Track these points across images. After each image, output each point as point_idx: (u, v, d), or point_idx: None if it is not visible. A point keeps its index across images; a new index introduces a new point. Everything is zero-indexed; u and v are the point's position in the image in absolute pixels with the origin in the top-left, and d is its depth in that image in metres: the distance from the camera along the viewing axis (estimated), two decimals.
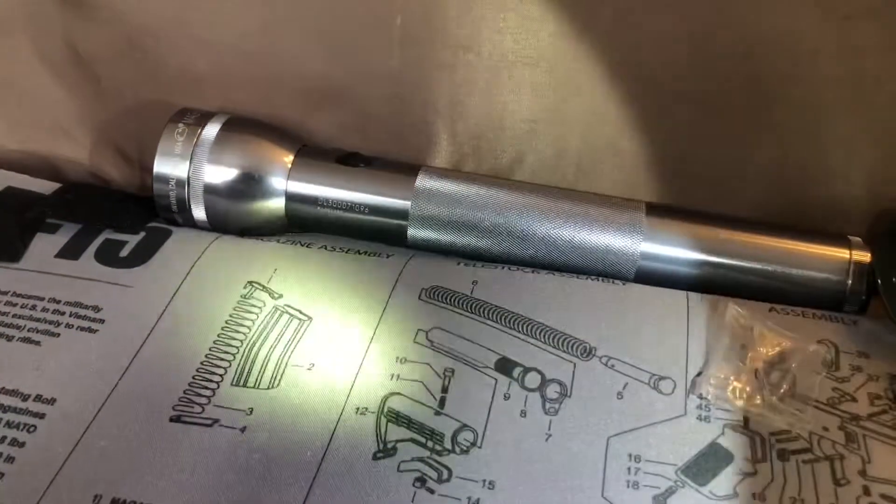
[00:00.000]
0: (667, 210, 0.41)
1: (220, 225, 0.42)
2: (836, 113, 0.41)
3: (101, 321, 0.37)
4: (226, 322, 0.37)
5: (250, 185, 0.41)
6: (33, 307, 0.37)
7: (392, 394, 0.34)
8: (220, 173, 0.40)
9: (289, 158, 0.41)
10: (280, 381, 0.34)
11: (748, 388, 0.34)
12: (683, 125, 0.42)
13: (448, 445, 0.32)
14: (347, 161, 0.41)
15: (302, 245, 0.41)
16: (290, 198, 0.41)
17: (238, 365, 0.35)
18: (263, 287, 0.38)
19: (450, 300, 0.38)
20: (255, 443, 0.32)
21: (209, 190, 0.40)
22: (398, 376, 0.34)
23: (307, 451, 0.32)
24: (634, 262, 0.40)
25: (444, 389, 0.34)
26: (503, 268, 0.40)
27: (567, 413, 0.34)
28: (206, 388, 0.34)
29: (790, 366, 0.35)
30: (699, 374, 0.35)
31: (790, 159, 0.42)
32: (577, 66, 0.42)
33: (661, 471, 0.32)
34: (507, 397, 0.34)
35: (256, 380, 0.34)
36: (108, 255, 0.40)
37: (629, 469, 0.32)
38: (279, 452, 0.32)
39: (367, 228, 0.41)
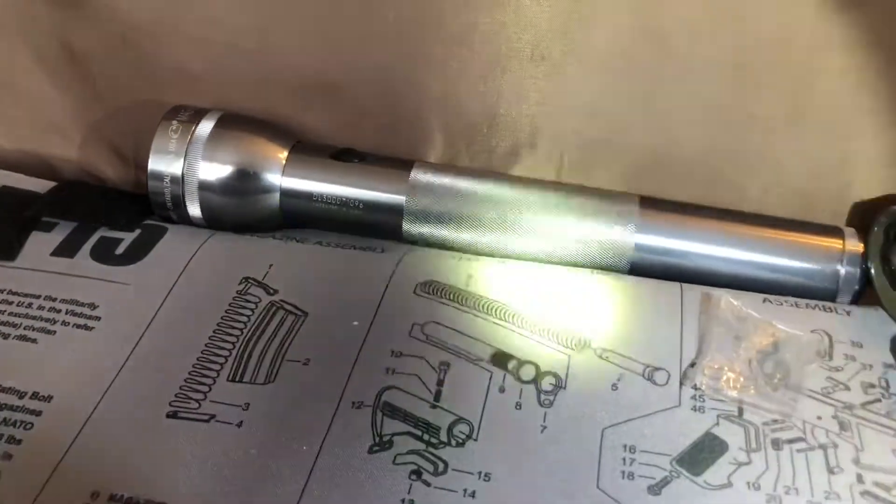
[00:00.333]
0: (660, 203, 0.41)
1: (215, 222, 0.42)
2: (830, 105, 0.41)
3: (97, 318, 0.37)
4: (221, 318, 0.37)
5: (245, 181, 0.41)
6: (29, 305, 0.37)
7: (388, 387, 0.34)
8: (215, 170, 0.40)
9: (283, 155, 0.41)
10: (276, 376, 0.35)
11: (742, 379, 0.34)
12: (677, 118, 0.42)
13: (444, 438, 0.32)
14: (342, 157, 0.41)
15: (297, 241, 0.41)
16: (285, 194, 0.41)
17: (234, 360, 0.35)
18: (259, 283, 0.38)
19: (445, 294, 0.38)
20: (252, 438, 0.32)
21: (204, 187, 0.41)
22: (394, 370, 0.35)
23: (303, 445, 0.32)
24: (628, 254, 0.40)
25: (440, 383, 0.34)
26: (498, 261, 0.40)
27: (562, 405, 0.34)
28: (203, 383, 0.34)
29: (784, 356, 0.35)
30: (693, 364, 0.35)
31: (783, 151, 0.42)
32: (571, 59, 0.42)
33: (655, 461, 0.32)
34: (502, 390, 0.34)
35: (253, 375, 0.35)
36: (104, 253, 0.40)
37: (624, 460, 0.32)
38: (276, 447, 0.32)
39: (362, 223, 0.41)
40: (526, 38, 0.41)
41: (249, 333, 0.36)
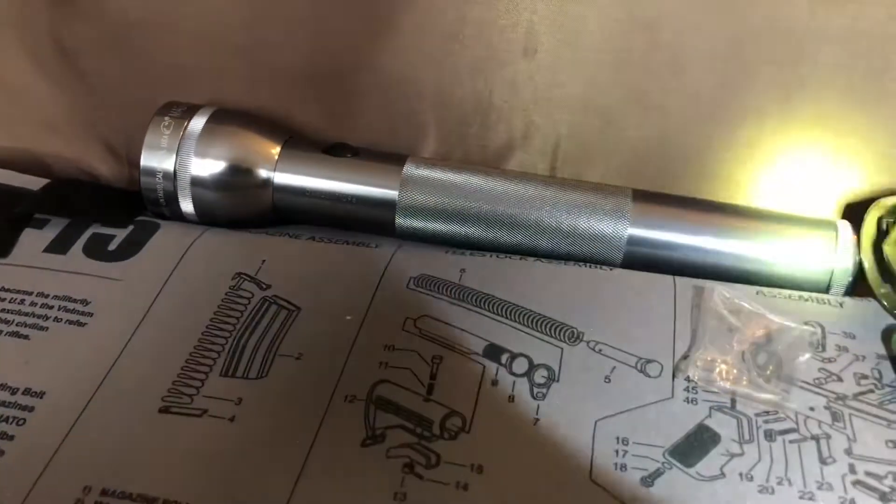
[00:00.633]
0: (653, 196, 0.41)
1: (207, 217, 0.42)
2: (823, 97, 0.41)
3: (90, 314, 0.37)
4: (214, 313, 0.37)
5: (237, 177, 0.41)
6: (21, 301, 0.37)
7: (380, 381, 0.34)
8: (208, 166, 0.40)
9: (276, 150, 0.41)
10: (269, 370, 0.35)
11: (735, 370, 0.34)
12: (670, 112, 0.42)
13: (436, 431, 0.32)
14: (334, 151, 0.41)
15: (290, 236, 0.41)
16: (278, 189, 0.41)
17: (227, 355, 0.35)
18: (251, 278, 0.38)
19: (438, 288, 0.38)
20: (245, 432, 0.32)
21: (196, 182, 0.40)
22: (386, 364, 0.35)
23: (296, 439, 0.32)
24: (621, 247, 0.40)
25: (433, 376, 0.34)
26: (491, 255, 0.40)
27: (555, 397, 0.34)
28: (195, 378, 0.34)
29: (777, 347, 0.35)
30: (686, 356, 0.35)
31: (776, 144, 0.42)
32: (564, 53, 0.42)
33: (648, 453, 0.32)
34: (495, 383, 0.34)
35: (245, 370, 0.35)
36: (97, 249, 0.40)
37: (617, 452, 0.32)
38: (268, 441, 0.32)
39: (355, 218, 0.41)
40: (519, 31, 0.42)
41: (242, 328, 0.36)
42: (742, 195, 0.43)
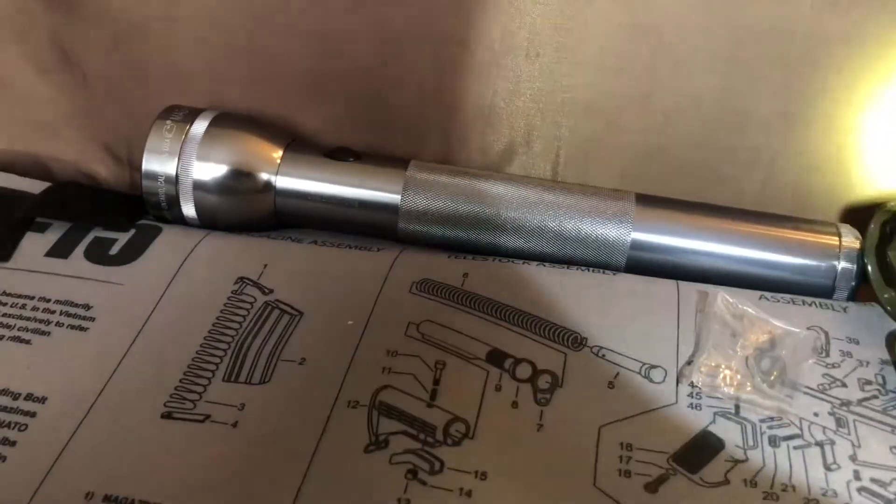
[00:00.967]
0: (656, 200, 0.41)
1: (209, 221, 0.42)
2: (826, 100, 0.41)
3: (92, 319, 0.37)
4: (217, 318, 0.37)
5: (239, 180, 0.41)
6: (23, 306, 0.37)
7: (383, 387, 0.34)
8: (209, 170, 0.40)
9: (278, 154, 0.41)
10: (271, 376, 0.34)
11: (739, 376, 0.34)
12: (672, 115, 0.42)
13: (440, 437, 0.32)
14: (336, 155, 0.41)
15: (292, 240, 0.41)
16: (280, 193, 0.41)
17: (229, 361, 0.35)
18: (254, 283, 0.38)
19: (440, 293, 0.38)
20: (247, 438, 0.32)
21: (198, 186, 0.40)
22: (389, 369, 0.34)
23: (299, 445, 0.32)
24: (625, 252, 0.40)
25: (436, 381, 0.34)
26: (493, 260, 0.40)
27: (558, 403, 0.34)
28: (198, 384, 0.34)
29: (780, 353, 0.35)
30: (690, 362, 0.35)
31: (779, 148, 0.42)
32: (566, 56, 0.42)
33: (652, 459, 0.32)
34: (498, 388, 0.34)
35: (248, 375, 0.34)
36: (98, 253, 0.40)
37: (621, 458, 0.32)
38: (271, 447, 0.32)
39: (357, 223, 0.41)
40: (521, 35, 0.41)
41: (244, 333, 0.36)
42: (745, 199, 0.42)
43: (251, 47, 0.43)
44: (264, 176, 0.41)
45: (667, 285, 0.38)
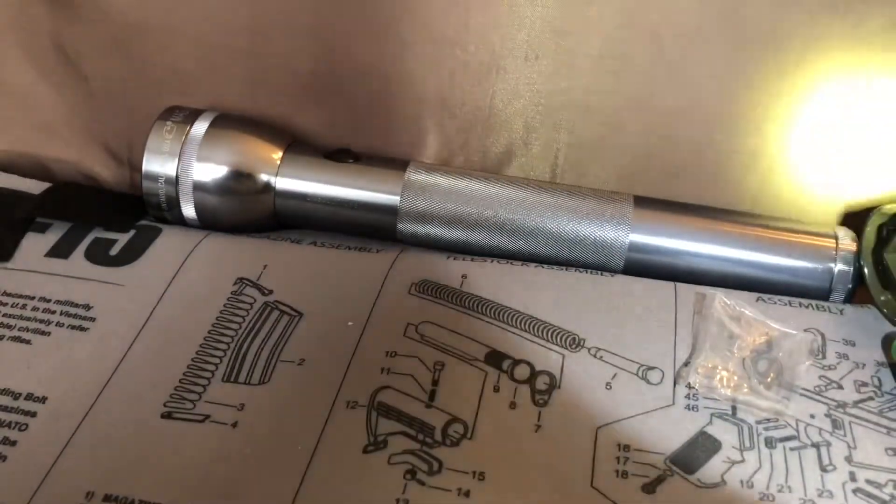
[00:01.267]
0: (654, 202, 0.41)
1: (209, 222, 0.42)
2: (824, 105, 0.41)
3: (92, 319, 0.37)
4: (216, 318, 0.37)
5: (239, 181, 0.41)
6: (24, 306, 0.37)
7: (382, 387, 0.34)
8: (209, 170, 0.40)
9: (278, 155, 0.41)
10: (271, 376, 0.35)
11: (735, 377, 0.35)
12: (670, 118, 0.42)
13: (438, 438, 0.32)
14: (336, 157, 0.42)
15: (292, 241, 0.41)
16: (280, 194, 0.41)
17: (229, 361, 0.35)
18: (253, 283, 0.38)
19: (439, 294, 0.38)
20: (247, 438, 0.32)
21: (198, 187, 0.41)
22: (388, 370, 0.35)
23: (298, 445, 0.32)
24: (622, 254, 0.40)
25: (435, 382, 0.34)
26: (492, 261, 0.40)
27: (556, 404, 0.34)
28: (197, 384, 0.34)
29: (777, 354, 0.35)
30: (687, 363, 0.35)
31: (777, 151, 0.42)
32: (565, 59, 0.42)
33: (649, 460, 0.32)
34: (496, 389, 0.34)
35: (247, 375, 0.35)
36: (98, 254, 0.40)
37: (618, 459, 0.32)
38: (270, 447, 0.32)
39: (357, 224, 0.41)
40: (520, 37, 0.42)
41: (244, 334, 0.36)
42: (743, 202, 0.43)
43: (251, 48, 0.43)
44: (264, 177, 0.41)
45: (664, 287, 0.39)
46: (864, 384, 0.35)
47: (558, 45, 0.41)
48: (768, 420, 0.33)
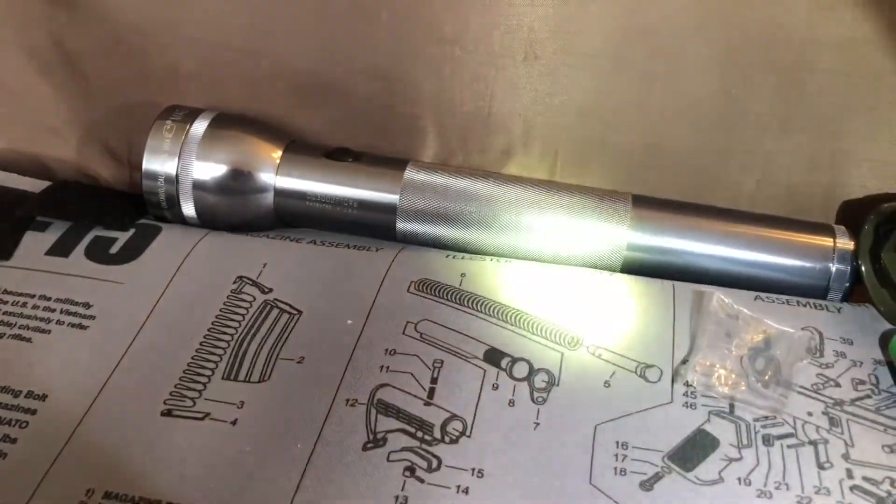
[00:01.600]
0: (653, 201, 0.41)
1: (209, 221, 0.42)
2: (821, 102, 0.41)
3: (92, 318, 0.37)
4: (216, 317, 0.37)
5: (239, 180, 0.41)
6: (24, 304, 0.37)
7: (382, 385, 0.34)
8: (209, 170, 0.41)
9: (277, 154, 0.42)
10: (270, 374, 0.35)
11: (733, 375, 0.35)
12: (668, 117, 0.43)
13: (437, 435, 0.33)
14: (336, 156, 0.42)
15: (291, 240, 0.42)
16: (279, 193, 0.41)
17: (229, 359, 0.35)
18: (253, 282, 0.39)
19: (438, 292, 0.38)
20: (247, 436, 0.32)
21: (198, 186, 0.41)
22: (388, 368, 0.35)
23: (297, 442, 0.32)
24: (621, 252, 0.40)
25: (434, 380, 0.34)
26: (491, 260, 0.40)
27: (555, 402, 0.34)
28: (198, 382, 0.34)
29: (775, 352, 0.36)
30: (685, 361, 0.35)
31: (774, 149, 0.42)
32: (563, 58, 0.42)
33: (647, 457, 0.32)
34: (495, 387, 0.34)
35: (247, 373, 0.35)
36: (98, 252, 0.40)
37: (616, 456, 0.32)
38: (270, 445, 0.32)
39: (356, 223, 0.42)
40: (519, 37, 0.42)
41: (244, 332, 0.36)
42: (741, 200, 0.43)
43: (251, 48, 0.44)
44: (264, 176, 0.41)
45: (663, 285, 0.39)
46: (862, 382, 0.35)
47: (557, 44, 0.42)
48: (766, 418, 0.34)
